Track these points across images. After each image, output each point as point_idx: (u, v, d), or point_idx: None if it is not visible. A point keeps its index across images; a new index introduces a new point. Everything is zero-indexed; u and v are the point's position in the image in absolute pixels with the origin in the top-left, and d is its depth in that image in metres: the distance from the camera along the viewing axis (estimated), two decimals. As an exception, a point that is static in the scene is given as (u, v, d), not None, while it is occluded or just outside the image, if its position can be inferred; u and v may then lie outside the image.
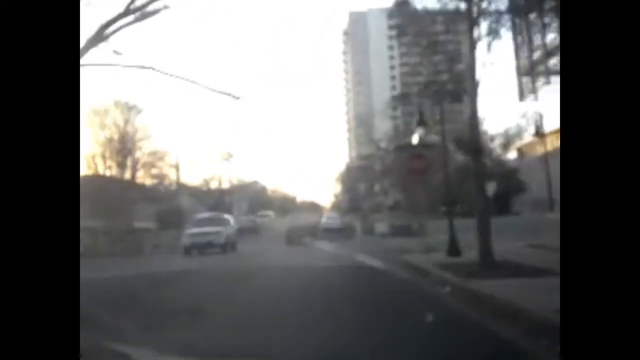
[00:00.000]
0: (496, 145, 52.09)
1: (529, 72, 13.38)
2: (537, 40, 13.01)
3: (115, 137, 52.64)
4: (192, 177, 78.17)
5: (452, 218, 15.68)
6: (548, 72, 13.10)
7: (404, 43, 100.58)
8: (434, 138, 18.99)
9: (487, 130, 46.07)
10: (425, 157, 16.65)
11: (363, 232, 41.10)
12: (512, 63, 13.35)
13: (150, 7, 14.61)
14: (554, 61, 12.57)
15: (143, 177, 55.58)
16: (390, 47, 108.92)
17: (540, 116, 43.24)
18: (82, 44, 13.23)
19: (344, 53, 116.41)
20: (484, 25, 10.70)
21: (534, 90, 13.53)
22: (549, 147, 40.35)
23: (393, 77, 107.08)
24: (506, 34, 11.75)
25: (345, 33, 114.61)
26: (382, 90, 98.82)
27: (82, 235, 18.34)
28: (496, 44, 10.88)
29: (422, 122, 17.56)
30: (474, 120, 10.73)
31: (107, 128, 52.69)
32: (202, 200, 60.32)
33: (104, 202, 44.26)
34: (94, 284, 11.53)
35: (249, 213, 66.82)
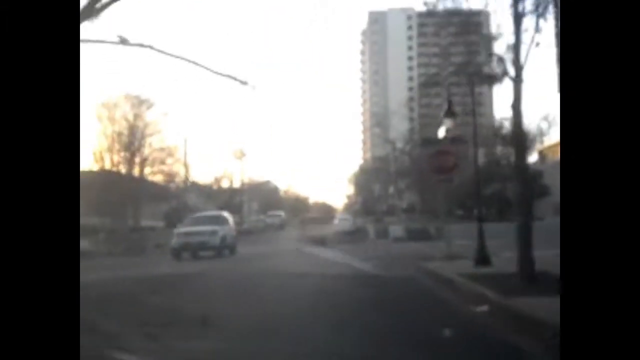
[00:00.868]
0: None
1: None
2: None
3: (125, 131, 51.29)
4: (203, 175, 77.34)
5: (482, 222, 13.88)
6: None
7: (425, 32, 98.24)
8: (456, 132, 16.92)
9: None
10: (453, 153, 14.90)
11: (376, 235, 39.49)
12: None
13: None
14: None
15: (153, 174, 54.28)
16: (410, 48, 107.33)
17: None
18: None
19: (362, 53, 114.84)
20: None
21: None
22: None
23: (411, 78, 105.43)
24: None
25: (363, 33, 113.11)
26: (399, 90, 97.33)
27: (83, 234, 17.15)
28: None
29: (450, 113, 15.55)
30: (517, 106, 9.09)
31: (117, 122, 51.35)
32: (212, 198, 59.05)
33: (111, 198, 43.06)
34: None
35: (259, 213, 65.41)
